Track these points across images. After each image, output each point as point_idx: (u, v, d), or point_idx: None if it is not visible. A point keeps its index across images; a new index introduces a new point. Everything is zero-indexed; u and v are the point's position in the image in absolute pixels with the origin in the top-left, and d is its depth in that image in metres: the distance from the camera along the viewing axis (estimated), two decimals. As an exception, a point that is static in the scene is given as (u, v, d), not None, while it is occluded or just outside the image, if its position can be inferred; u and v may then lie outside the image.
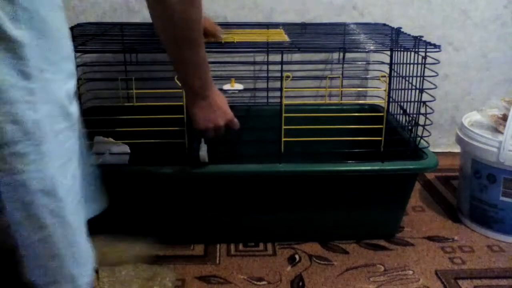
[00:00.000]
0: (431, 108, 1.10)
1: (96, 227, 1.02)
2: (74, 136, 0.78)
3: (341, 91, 1.40)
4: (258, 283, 1.03)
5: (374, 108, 1.38)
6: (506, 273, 1.07)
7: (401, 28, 1.32)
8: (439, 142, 1.66)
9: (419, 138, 1.14)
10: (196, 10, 0.84)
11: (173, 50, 0.89)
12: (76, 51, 1.07)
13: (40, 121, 0.71)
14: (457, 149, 1.37)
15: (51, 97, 0.72)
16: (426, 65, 1.09)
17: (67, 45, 0.76)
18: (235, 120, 1.03)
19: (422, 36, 1.15)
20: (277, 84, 1.07)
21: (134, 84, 1.12)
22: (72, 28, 1.30)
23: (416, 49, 1.11)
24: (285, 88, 1.05)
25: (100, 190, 0.93)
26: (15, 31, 0.66)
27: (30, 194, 0.73)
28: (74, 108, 0.78)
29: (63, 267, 0.80)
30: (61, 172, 0.75)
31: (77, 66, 1.10)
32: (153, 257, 1.08)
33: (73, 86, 0.77)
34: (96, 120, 1.04)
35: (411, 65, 1.12)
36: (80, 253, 0.81)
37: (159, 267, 1.04)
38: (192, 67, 0.91)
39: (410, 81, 1.14)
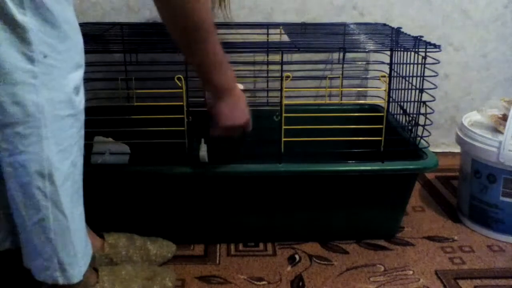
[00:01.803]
0: (431, 108, 1.10)
1: (96, 227, 1.03)
2: (77, 126, 0.80)
3: (341, 91, 1.40)
4: (258, 283, 1.03)
5: (374, 108, 1.39)
6: (506, 273, 1.07)
7: (401, 28, 1.32)
8: (439, 142, 1.66)
9: (419, 138, 1.14)
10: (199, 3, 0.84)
11: (188, 48, 0.90)
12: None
13: (42, 105, 0.73)
14: (457, 149, 1.37)
15: (55, 83, 0.74)
16: (426, 65, 1.09)
17: (76, 37, 0.78)
18: (250, 120, 1.03)
19: (422, 36, 1.15)
20: (277, 84, 1.07)
21: (134, 84, 1.12)
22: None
23: (416, 49, 1.11)
24: (285, 88, 1.05)
25: None
26: (20, 16, 0.69)
27: (28, 175, 0.75)
28: (79, 99, 0.79)
29: (55, 254, 0.81)
30: (59, 158, 0.76)
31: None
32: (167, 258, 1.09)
33: (79, 78, 0.79)
34: (96, 120, 1.03)
35: (411, 65, 1.12)
36: (73, 242, 0.82)
37: (159, 267, 1.04)
38: (213, 63, 0.92)
39: (410, 81, 1.14)
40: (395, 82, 1.21)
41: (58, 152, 0.76)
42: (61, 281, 0.83)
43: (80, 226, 0.85)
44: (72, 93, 0.77)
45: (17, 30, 0.69)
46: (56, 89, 0.74)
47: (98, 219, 1.08)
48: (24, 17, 0.69)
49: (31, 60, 0.71)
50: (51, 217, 0.78)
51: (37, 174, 0.75)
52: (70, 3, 0.77)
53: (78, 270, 0.84)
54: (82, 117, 0.81)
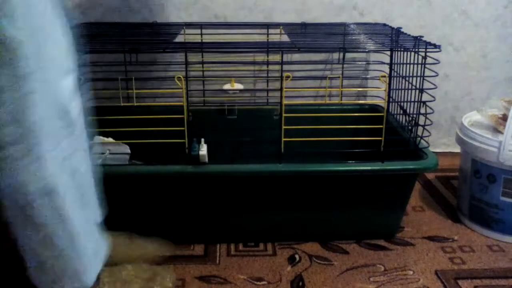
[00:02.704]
0: (431, 108, 1.10)
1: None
2: (75, 133, 0.78)
3: (341, 91, 1.40)
4: (258, 283, 1.03)
5: (374, 108, 1.39)
6: (506, 273, 1.07)
7: (401, 28, 1.32)
8: (439, 142, 1.66)
9: (419, 138, 1.14)
10: None
11: None
12: (76, 51, 1.07)
13: (38, 121, 0.71)
14: (457, 149, 1.37)
15: (49, 96, 0.72)
16: (426, 65, 1.09)
17: (62, 40, 0.75)
18: None
19: (422, 36, 1.15)
20: (277, 84, 1.07)
21: (134, 84, 1.12)
22: (72, 28, 1.30)
23: (416, 49, 1.11)
24: (285, 88, 1.05)
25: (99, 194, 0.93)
26: (11, 30, 0.66)
27: (30, 194, 0.73)
28: (74, 105, 0.77)
29: (66, 264, 0.80)
30: (59, 171, 0.75)
31: (77, 66, 1.10)
32: (165, 257, 1.08)
33: (72, 82, 0.76)
34: (96, 120, 1.03)
35: (411, 65, 1.12)
36: (85, 248, 0.81)
37: (159, 267, 1.04)
38: None
39: (410, 81, 1.14)
40: (395, 82, 1.21)
41: (58, 166, 0.74)
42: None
43: (90, 229, 0.84)
44: (67, 101, 0.75)
45: (8, 46, 0.67)
46: (51, 101, 0.72)
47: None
48: (15, 31, 0.66)
49: (24, 76, 0.68)
50: (59, 230, 0.77)
51: (38, 193, 0.73)
52: (55, 2, 0.73)
53: (93, 273, 0.84)
54: (80, 121, 0.79)
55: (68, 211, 0.77)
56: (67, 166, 0.76)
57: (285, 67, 1.05)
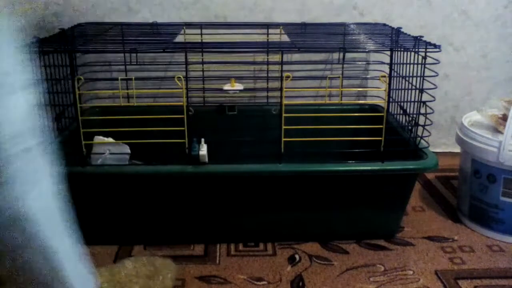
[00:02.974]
0: (431, 108, 1.10)
1: (97, 228, 1.03)
2: (44, 153, 0.72)
3: (341, 91, 1.40)
4: (258, 283, 1.03)
5: (374, 108, 1.39)
6: (506, 273, 1.07)
7: (401, 28, 1.32)
8: (439, 142, 1.66)
9: (419, 138, 1.14)
10: None
11: None
12: (76, 51, 1.07)
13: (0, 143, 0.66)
14: (457, 149, 1.37)
15: (8, 114, 0.66)
16: (426, 65, 1.09)
17: (14, 53, 0.69)
18: None
19: (422, 36, 1.15)
20: (277, 84, 1.07)
21: (134, 84, 1.12)
22: (72, 28, 1.30)
23: (416, 49, 1.11)
24: (285, 88, 1.05)
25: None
26: None
27: (1, 217, 0.68)
28: (40, 122, 0.71)
29: None
30: (33, 195, 0.70)
31: (77, 66, 1.11)
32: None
33: (32, 98, 0.71)
34: (96, 120, 1.04)
35: (411, 65, 1.12)
36: (68, 277, 0.77)
37: (160, 259, 1.02)
38: None
39: (410, 81, 1.14)
40: (395, 82, 1.21)
41: (30, 189, 0.70)
42: None
43: (74, 258, 0.79)
44: (28, 119, 0.69)
45: None
46: (12, 120, 0.67)
47: (97, 220, 1.08)
48: None
49: None
50: (38, 258, 0.72)
51: (10, 217, 0.68)
52: (5, 13, 0.68)
53: None
54: (47, 141, 0.73)
55: (46, 238, 0.72)
56: (41, 190, 0.71)
57: (285, 67, 1.05)
